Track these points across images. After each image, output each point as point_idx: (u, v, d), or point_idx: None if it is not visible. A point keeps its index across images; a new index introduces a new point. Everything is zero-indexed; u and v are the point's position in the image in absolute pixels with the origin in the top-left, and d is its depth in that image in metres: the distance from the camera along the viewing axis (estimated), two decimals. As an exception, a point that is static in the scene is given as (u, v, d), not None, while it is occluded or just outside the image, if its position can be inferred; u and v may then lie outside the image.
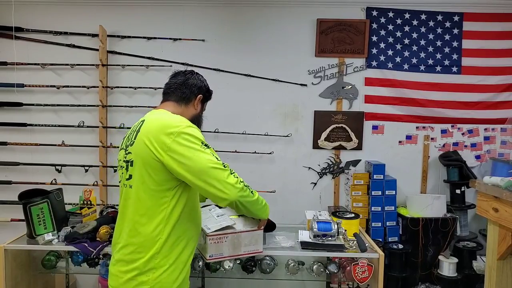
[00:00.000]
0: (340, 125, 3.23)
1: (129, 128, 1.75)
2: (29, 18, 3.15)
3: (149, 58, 3.16)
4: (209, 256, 2.00)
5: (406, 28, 3.20)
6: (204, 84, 1.81)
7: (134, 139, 1.59)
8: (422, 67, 3.22)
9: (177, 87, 1.73)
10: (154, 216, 1.53)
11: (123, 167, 1.63)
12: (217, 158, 1.53)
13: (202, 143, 1.53)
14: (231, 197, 1.52)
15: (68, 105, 3.15)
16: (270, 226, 2.34)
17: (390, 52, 3.21)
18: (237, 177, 1.57)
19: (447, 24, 3.20)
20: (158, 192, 1.53)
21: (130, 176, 1.58)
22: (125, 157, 1.61)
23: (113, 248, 1.66)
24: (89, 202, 2.60)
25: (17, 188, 2.85)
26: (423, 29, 3.20)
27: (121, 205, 1.66)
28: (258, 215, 1.82)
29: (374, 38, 3.20)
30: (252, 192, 1.64)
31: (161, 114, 1.62)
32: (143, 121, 1.62)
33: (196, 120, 1.75)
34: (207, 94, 1.83)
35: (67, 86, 3.14)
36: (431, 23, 3.20)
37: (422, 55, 3.21)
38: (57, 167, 3.15)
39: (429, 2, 3.17)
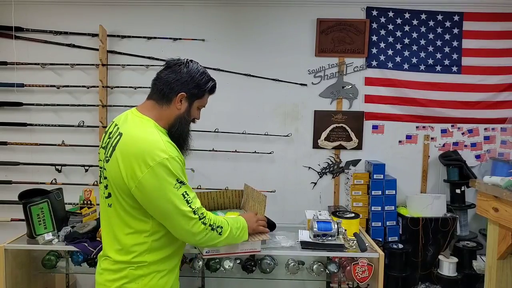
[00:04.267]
0: (340, 124, 3.23)
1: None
2: (29, 18, 3.15)
3: (149, 58, 3.16)
4: (206, 252, 2.00)
5: (406, 28, 3.20)
6: (193, 78, 1.53)
7: (110, 155, 1.46)
8: (422, 67, 3.22)
9: (156, 83, 1.54)
10: (140, 233, 1.47)
11: (101, 175, 1.54)
12: (187, 201, 1.42)
13: (177, 181, 1.41)
14: (189, 243, 1.52)
15: (68, 105, 3.15)
16: (270, 226, 2.34)
17: (390, 52, 3.21)
18: (205, 223, 1.46)
19: (447, 24, 3.20)
20: (139, 213, 1.46)
21: (109, 195, 1.49)
22: (103, 173, 1.51)
23: (99, 258, 1.61)
24: (89, 202, 2.60)
25: (17, 188, 2.85)
26: (423, 29, 3.20)
27: (103, 220, 1.57)
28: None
29: (374, 38, 3.20)
30: (220, 233, 1.54)
31: (139, 133, 1.44)
32: (120, 134, 1.47)
33: (180, 122, 1.55)
34: (195, 91, 1.54)
35: (67, 86, 3.13)
36: (431, 23, 3.20)
37: (422, 54, 3.21)
38: (57, 167, 3.15)
39: (429, 2, 3.17)
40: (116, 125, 1.55)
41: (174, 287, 1.60)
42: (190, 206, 1.43)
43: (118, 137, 1.47)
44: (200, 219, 1.45)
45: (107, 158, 1.48)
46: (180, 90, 1.52)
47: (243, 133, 3.20)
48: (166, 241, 1.53)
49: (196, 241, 1.49)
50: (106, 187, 1.50)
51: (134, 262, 1.48)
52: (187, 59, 1.56)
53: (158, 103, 1.53)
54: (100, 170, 1.56)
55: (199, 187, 3.10)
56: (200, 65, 1.59)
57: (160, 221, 1.46)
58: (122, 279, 1.48)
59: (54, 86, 3.12)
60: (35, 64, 3.11)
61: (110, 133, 1.54)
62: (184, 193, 1.43)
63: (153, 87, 1.55)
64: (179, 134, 1.56)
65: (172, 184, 1.41)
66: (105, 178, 1.49)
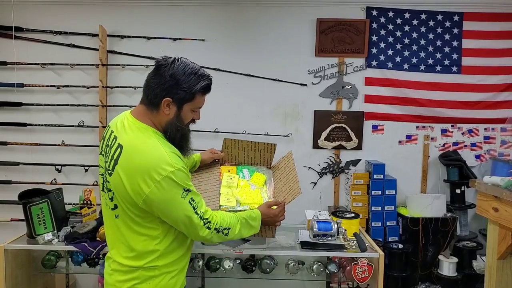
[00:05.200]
0: (340, 124, 3.23)
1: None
2: (29, 18, 3.14)
3: (149, 58, 3.16)
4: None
5: (406, 28, 3.20)
6: (178, 81, 1.41)
7: (112, 169, 1.42)
8: (422, 67, 3.22)
9: (144, 87, 1.48)
10: (151, 240, 1.47)
11: (104, 184, 1.50)
12: (194, 208, 1.43)
13: (184, 190, 1.41)
14: (200, 241, 1.58)
15: (68, 105, 3.15)
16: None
17: (390, 52, 3.21)
18: (210, 228, 1.49)
19: (447, 24, 3.20)
20: (147, 221, 1.45)
21: (116, 206, 1.46)
22: (106, 183, 1.48)
23: (107, 259, 1.59)
24: (89, 202, 2.60)
25: (17, 188, 2.85)
26: (423, 29, 3.20)
27: (110, 229, 1.54)
28: None
29: (374, 38, 3.20)
30: (227, 234, 1.57)
31: (141, 145, 1.40)
32: (120, 146, 1.41)
33: (171, 128, 1.47)
34: (181, 95, 1.42)
35: (67, 86, 3.13)
36: (431, 23, 3.20)
37: (422, 54, 3.21)
38: (57, 167, 3.15)
39: (429, 2, 3.17)
40: (112, 132, 1.50)
41: (182, 286, 1.62)
42: (196, 212, 1.45)
43: (119, 150, 1.41)
44: (204, 224, 1.48)
45: (109, 172, 1.44)
46: (165, 95, 1.42)
47: (243, 133, 3.20)
48: (176, 245, 1.54)
49: (204, 239, 1.53)
50: (111, 199, 1.47)
51: (146, 267, 1.49)
52: (174, 58, 1.43)
53: (148, 109, 1.47)
54: (102, 178, 1.52)
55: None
56: (190, 64, 1.45)
57: (172, 225, 1.48)
58: (133, 280, 1.48)
59: (54, 86, 3.12)
60: (35, 64, 3.11)
61: (108, 140, 1.50)
62: (191, 200, 1.44)
63: (143, 91, 1.50)
64: (172, 139, 1.49)
65: (179, 194, 1.41)
66: (110, 190, 1.46)
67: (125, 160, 1.39)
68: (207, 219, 1.49)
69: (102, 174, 1.52)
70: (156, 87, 1.42)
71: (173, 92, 1.42)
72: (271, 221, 1.80)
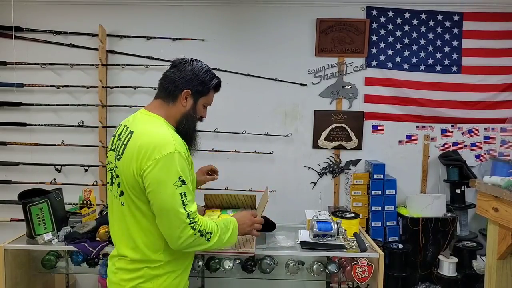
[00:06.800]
0: (340, 124, 3.23)
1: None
2: (29, 18, 3.14)
3: (148, 57, 3.16)
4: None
5: (406, 28, 3.20)
6: (197, 75, 1.57)
7: (122, 153, 1.48)
8: (422, 67, 3.21)
9: (163, 82, 1.59)
10: (154, 229, 1.48)
11: (113, 176, 1.54)
12: (183, 203, 1.40)
13: (179, 179, 1.41)
14: (172, 245, 1.47)
15: (67, 105, 3.15)
16: (270, 226, 2.34)
17: (390, 52, 3.21)
18: (195, 229, 1.43)
19: (447, 24, 3.20)
20: (150, 209, 1.47)
21: (122, 193, 1.50)
22: (114, 171, 1.53)
23: (111, 258, 1.61)
24: (89, 202, 2.59)
25: (17, 188, 2.84)
26: (423, 29, 3.20)
27: (116, 220, 1.56)
28: None
29: (374, 38, 3.20)
30: (209, 239, 1.49)
31: (149, 128, 1.48)
32: (131, 132, 1.49)
33: (186, 119, 1.58)
34: (199, 88, 1.58)
35: (67, 86, 3.13)
36: (431, 23, 3.20)
37: (422, 54, 3.21)
38: (56, 167, 3.15)
39: (429, 2, 3.17)
40: (125, 126, 1.57)
41: (185, 286, 1.63)
42: (184, 209, 1.41)
43: (129, 135, 1.49)
44: (190, 223, 1.42)
45: (118, 156, 1.50)
46: (185, 87, 1.56)
47: (243, 133, 3.20)
48: None
49: (178, 245, 1.45)
50: (118, 185, 1.51)
51: (151, 261, 1.49)
52: (192, 58, 1.61)
53: (165, 101, 1.57)
54: (111, 172, 1.56)
55: (199, 188, 3.10)
56: (205, 64, 1.63)
57: (156, 216, 1.45)
58: (138, 279, 1.49)
59: (53, 86, 3.12)
60: (35, 64, 3.11)
61: (120, 134, 1.56)
62: (182, 193, 1.41)
63: (160, 86, 1.60)
64: (186, 131, 1.59)
65: (173, 181, 1.40)
66: (117, 176, 1.51)
67: (133, 142, 1.46)
68: (193, 219, 1.44)
69: (112, 169, 1.55)
70: (178, 80, 1.56)
71: (193, 84, 1.57)
72: (248, 223, 1.73)
